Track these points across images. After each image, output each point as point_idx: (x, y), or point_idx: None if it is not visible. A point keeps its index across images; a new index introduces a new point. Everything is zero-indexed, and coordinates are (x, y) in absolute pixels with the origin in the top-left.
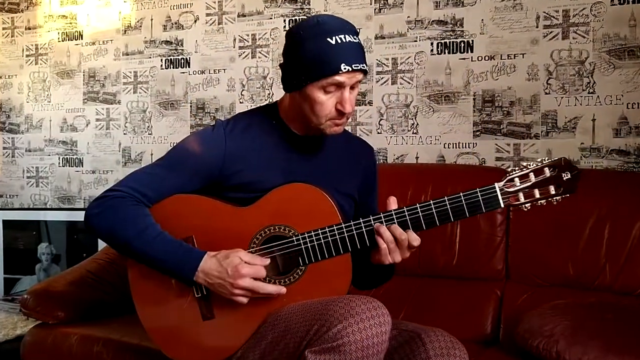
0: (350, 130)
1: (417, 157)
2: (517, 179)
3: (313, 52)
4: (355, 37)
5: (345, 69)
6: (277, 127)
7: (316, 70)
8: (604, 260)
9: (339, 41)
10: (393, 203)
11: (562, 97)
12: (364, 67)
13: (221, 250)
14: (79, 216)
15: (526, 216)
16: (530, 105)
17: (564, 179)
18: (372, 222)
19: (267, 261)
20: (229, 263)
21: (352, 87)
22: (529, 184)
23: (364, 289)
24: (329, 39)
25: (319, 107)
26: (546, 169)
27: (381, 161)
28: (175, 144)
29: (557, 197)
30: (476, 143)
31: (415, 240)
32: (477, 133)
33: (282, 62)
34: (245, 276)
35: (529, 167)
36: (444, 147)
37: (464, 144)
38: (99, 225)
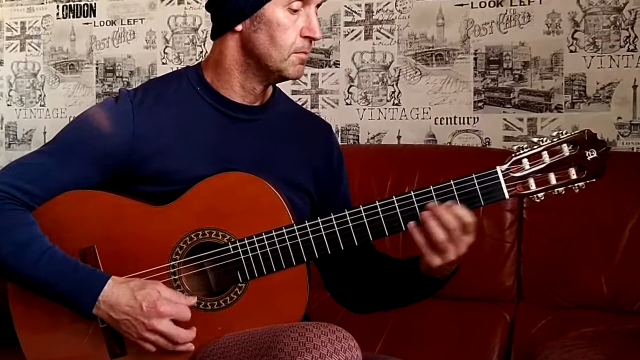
0: (309, 100)
1: (399, 137)
2: (525, 160)
3: None
4: None
5: None
6: (203, 95)
7: None
8: None
9: None
10: None
11: (592, 57)
12: None
13: (132, 266)
14: None
15: (545, 216)
16: (551, 68)
17: (588, 158)
18: (334, 221)
19: (194, 300)
20: (145, 296)
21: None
22: (541, 166)
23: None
24: None
25: (284, 34)
26: (564, 147)
27: (351, 141)
28: (67, 124)
29: (580, 184)
30: (478, 117)
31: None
32: (480, 104)
33: None
34: (164, 316)
35: (541, 143)
36: (435, 123)
37: (462, 119)
38: None
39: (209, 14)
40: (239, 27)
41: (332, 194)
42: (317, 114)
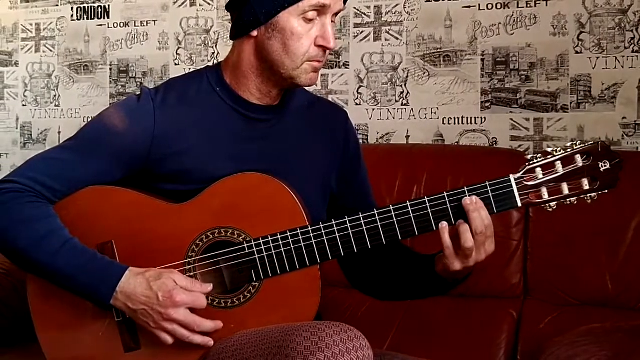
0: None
1: (407, 136)
2: (539, 170)
3: None
4: None
5: None
6: (222, 96)
7: None
8: None
9: None
10: None
11: (597, 58)
12: None
13: (149, 262)
14: None
15: (550, 214)
16: (557, 68)
17: (601, 169)
18: (348, 224)
19: (209, 287)
20: (160, 286)
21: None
22: (555, 175)
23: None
24: None
25: (297, 42)
26: (578, 157)
27: (361, 141)
28: (89, 120)
29: (592, 194)
30: (485, 118)
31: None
32: (487, 105)
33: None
34: (179, 305)
35: (555, 153)
36: (443, 122)
37: (470, 119)
38: None
39: (220, 15)
40: (254, 33)
41: (351, 182)
42: (332, 101)
